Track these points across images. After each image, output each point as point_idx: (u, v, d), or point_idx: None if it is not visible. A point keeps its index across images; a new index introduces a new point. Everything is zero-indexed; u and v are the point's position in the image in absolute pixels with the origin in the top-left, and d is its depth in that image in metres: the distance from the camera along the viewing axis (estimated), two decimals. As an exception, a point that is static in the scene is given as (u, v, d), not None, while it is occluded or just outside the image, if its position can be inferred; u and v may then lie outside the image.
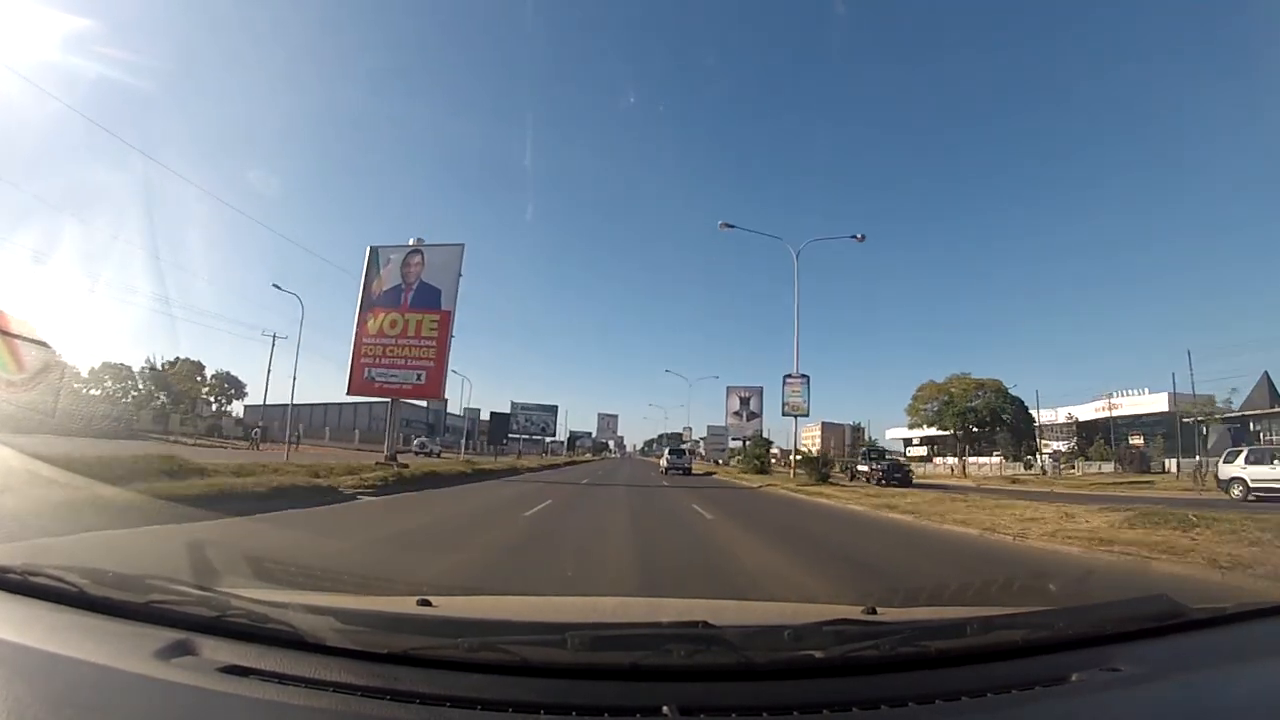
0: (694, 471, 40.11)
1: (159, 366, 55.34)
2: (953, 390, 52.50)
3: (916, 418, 56.04)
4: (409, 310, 25.98)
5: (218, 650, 1.24)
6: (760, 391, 69.67)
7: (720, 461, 68.80)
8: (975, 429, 52.13)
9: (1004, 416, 51.63)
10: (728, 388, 70.77)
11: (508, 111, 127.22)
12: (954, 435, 54.81)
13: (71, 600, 1.44)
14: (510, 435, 67.60)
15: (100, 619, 1.38)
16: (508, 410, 68.88)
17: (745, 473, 37.08)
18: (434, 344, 25.51)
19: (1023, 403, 53.40)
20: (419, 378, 25.40)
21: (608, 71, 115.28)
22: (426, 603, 1.73)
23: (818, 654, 1.24)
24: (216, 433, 46.81)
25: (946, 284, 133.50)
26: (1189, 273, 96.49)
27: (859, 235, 32.41)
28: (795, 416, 32.72)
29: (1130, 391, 56.13)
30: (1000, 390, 51.77)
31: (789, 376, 32.09)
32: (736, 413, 68.88)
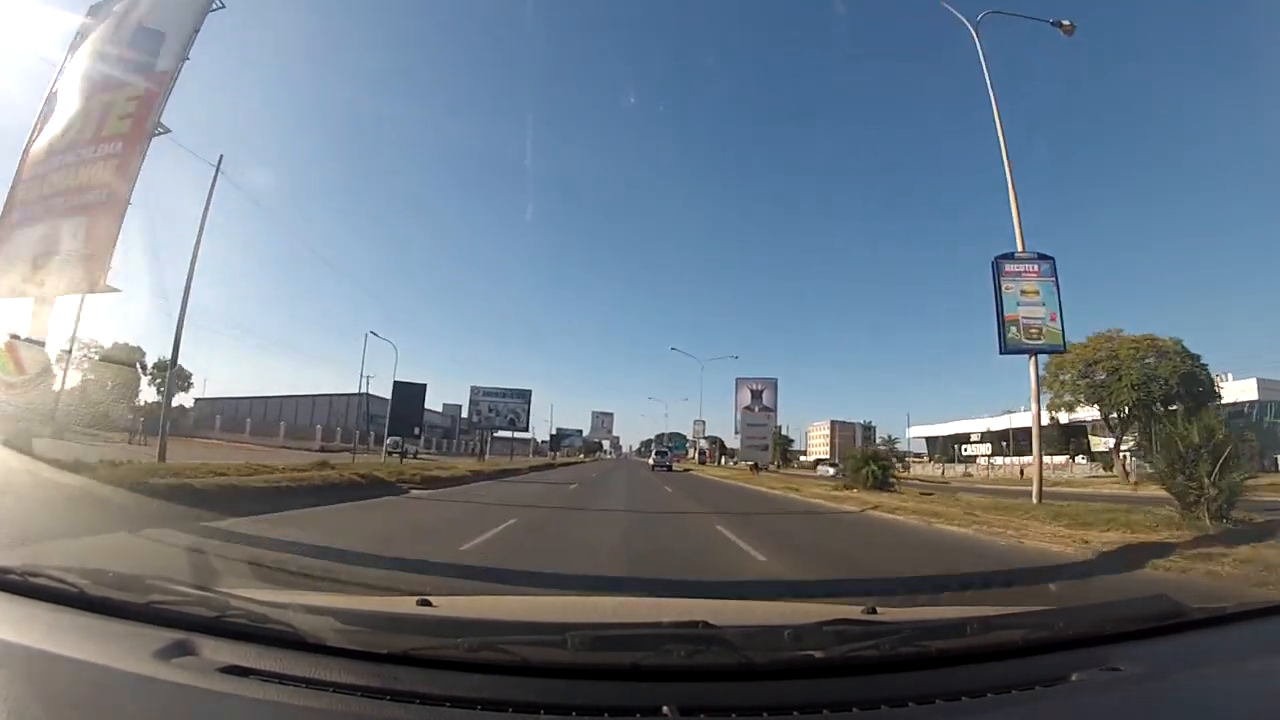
0: (735, 484, 28.03)
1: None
2: (1119, 351, 36.10)
3: (1063, 393, 37.80)
4: (97, 88, 11.65)
5: (218, 650, 1.24)
6: (774, 384, 61.04)
7: (759, 466, 51.72)
8: (1155, 407, 33.60)
9: (1198, 389, 34.60)
10: (737, 380, 60.27)
11: (508, 111, 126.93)
12: (1108, 420, 37.84)
13: (71, 600, 1.44)
14: (497, 433, 55.34)
15: (100, 619, 1.38)
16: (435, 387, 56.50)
17: (849, 487, 20.67)
18: (116, 152, 10.80)
19: (1209, 371, 36.39)
20: (74, 236, 10.55)
21: (608, 70, 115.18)
22: (426, 603, 1.73)
23: (818, 654, 1.24)
24: (104, 425, 38.33)
25: (949, 283, 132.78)
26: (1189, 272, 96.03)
27: (1066, 23, 16.76)
28: (1033, 354, 14.69)
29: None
30: (1184, 352, 35.47)
31: (1010, 259, 14.96)
32: (748, 407, 59.28)
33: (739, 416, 58.64)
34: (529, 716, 1.07)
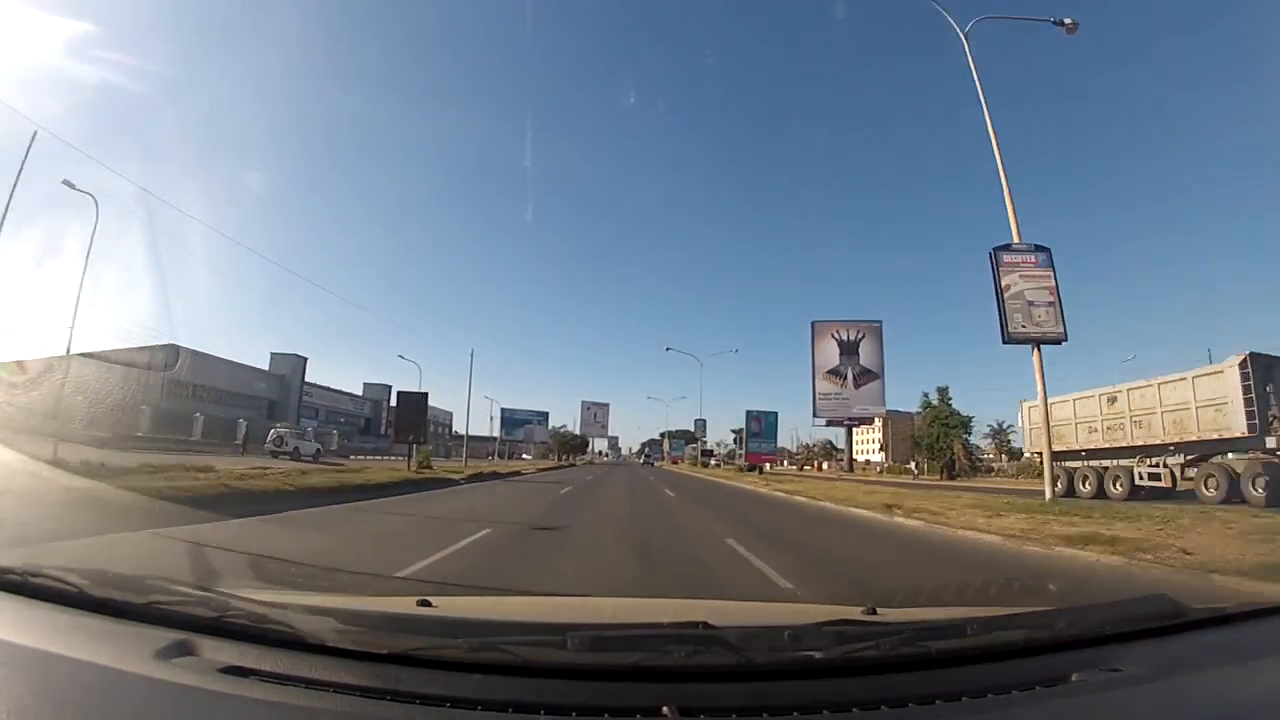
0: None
1: None
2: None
3: None
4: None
5: (218, 651, 1.25)
6: (877, 331, 33.82)
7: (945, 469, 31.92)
8: None
9: None
10: (815, 325, 34.02)
11: (504, 110, 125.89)
12: None
13: (72, 601, 1.44)
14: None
15: (101, 619, 1.39)
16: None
17: None
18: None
19: None
20: None
21: (603, 69, 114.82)
22: (427, 603, 1.73)
23: (818, 654, 1.24)
24: None
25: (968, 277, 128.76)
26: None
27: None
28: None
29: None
30: None
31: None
32: (834, 371, 33.70)
33: (816, 386, 32.01)
34: (529, 717, 1.07)
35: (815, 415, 34.10)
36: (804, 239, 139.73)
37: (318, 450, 31.76)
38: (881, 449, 71.78)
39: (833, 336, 34.47)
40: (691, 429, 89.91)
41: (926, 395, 39.62)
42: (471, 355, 51.91)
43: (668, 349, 55.20)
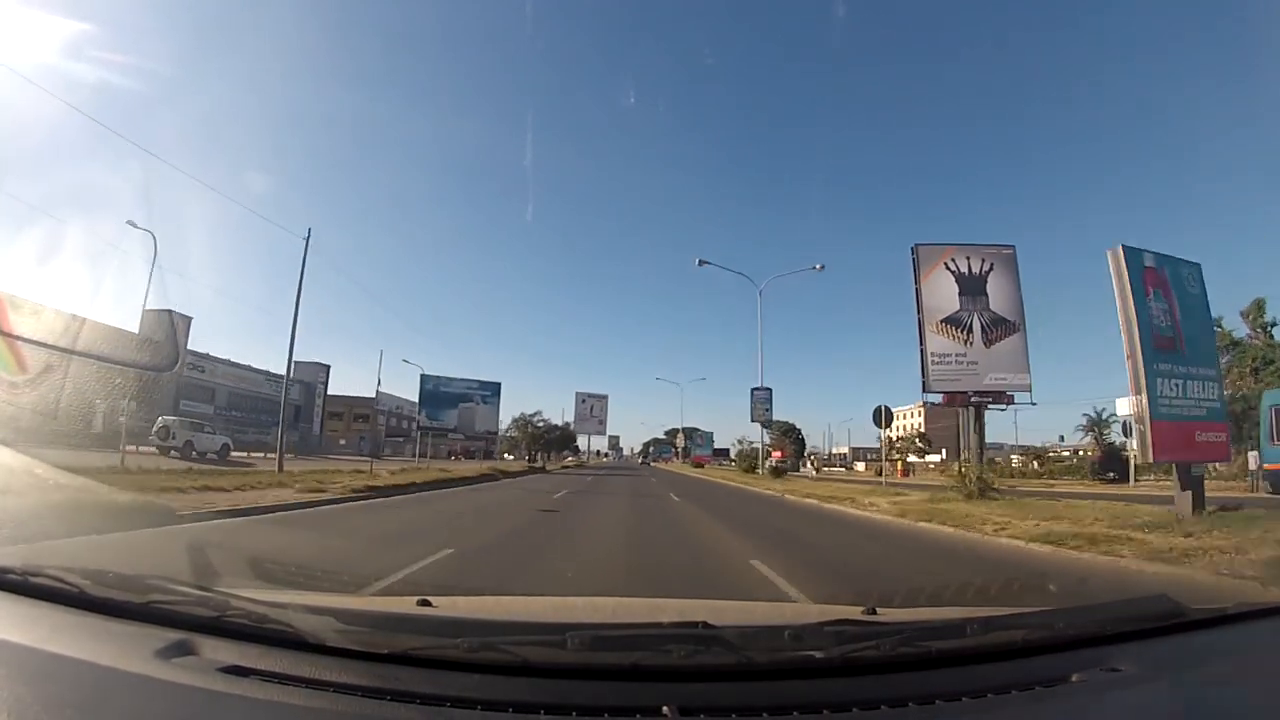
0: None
1: None
2: None
3: None
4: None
5: (218, 650, 1.25)
6: (1011, 260, 21.15)
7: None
8: None
9: None
10: (917, 249, 20.51)
11: (504, 108, 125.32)
12: None
13: (72, 601, 1.44)
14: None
15: (101, 619, 1.39)
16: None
17: None
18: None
19: None
20: None
21: (602, 69, 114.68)
22: (427, 603, 1.73)
23: (818, 654, 1.24)
24: None
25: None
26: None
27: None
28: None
29: None
30: None
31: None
32: (952, 320, 19.98)
33: (928, 344, 19.70)
34: (529, 716, 1.07)
35: (926, 390, 20.23)
36: (804, 236, 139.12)
37: (225, 446, 24.26)
38: (925, 442, 58.17)
39: (947, 267, 20.86)
40: (700, 428, 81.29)
41: (1219, 319, 22.01)
42: (308, 236, 22.01)
43: (701, 262, 31.96)
